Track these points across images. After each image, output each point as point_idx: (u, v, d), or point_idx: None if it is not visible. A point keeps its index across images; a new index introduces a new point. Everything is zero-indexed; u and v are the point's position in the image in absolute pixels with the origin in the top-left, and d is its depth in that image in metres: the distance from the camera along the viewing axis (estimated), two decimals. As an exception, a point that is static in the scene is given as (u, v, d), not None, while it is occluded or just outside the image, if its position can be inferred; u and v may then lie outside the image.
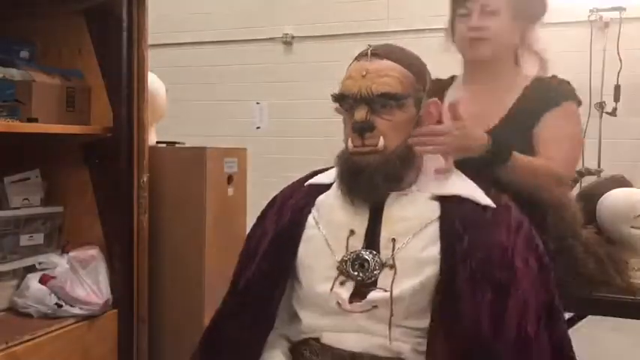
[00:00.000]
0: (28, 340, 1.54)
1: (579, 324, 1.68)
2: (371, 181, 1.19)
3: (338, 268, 1.18)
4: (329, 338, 1.18)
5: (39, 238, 1.85)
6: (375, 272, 1.16)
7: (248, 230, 1.44)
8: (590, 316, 1.75)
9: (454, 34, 1.60)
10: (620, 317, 1.75)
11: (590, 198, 1.97)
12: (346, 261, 1.18)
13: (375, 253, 1.17)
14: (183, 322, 1.96)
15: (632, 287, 1.65)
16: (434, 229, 1.18)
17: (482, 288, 1.12)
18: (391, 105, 1.20)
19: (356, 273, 1.17)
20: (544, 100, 1.53)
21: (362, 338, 1.15)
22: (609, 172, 2.82)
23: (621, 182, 2.04)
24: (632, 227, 1.73)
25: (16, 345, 1.51)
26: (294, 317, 1.27)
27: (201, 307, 1.94)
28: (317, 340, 1.20)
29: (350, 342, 1.16)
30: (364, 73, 1.20)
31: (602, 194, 1.84)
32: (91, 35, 1.87)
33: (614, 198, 1.80)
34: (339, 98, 1.25)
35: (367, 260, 1.17)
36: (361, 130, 1.19)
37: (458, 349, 1.09)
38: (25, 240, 1.81)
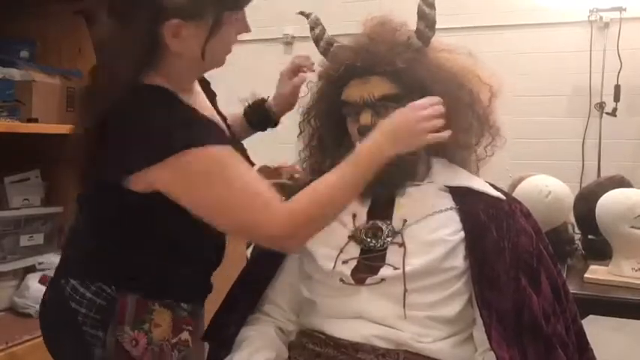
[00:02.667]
0: (28, 340, 1.54)
1: (579, 324, 1.68)
2: (383, 180, 1.22)
3: (351, 236, 1.23)
4: (331, 328, 1.20)
5: (39, 238, 1.85)
6: (387, 239, 1.21)
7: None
8: (590, 316, 1.76)
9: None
10: (620, 317, 1.75)
11: (589, 198, 1.98)
12: (361, 229, 1.23)
13: (388, 222, 1.23)
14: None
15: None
16: (447, 215, 1.23)
17: (521, 272, 1.18)
18: (392, 107, 1.22)
19: (369, 239, 1.22)
20: None
21: (362, 326, 1.17)
22: (609, 172, 2.83)
23: (621, 182, 2.05)
24: (632, 227, 1.73)
25: (16, 345, 1.51)
26: (297, 307, 1.31)
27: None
28: (319, 331, 1.22)
29: (350, 331, 1.18)
30: (366, 80, 1.25)
31: (602, 194, 1.84)
32: (91, 35, 1.87)
33: (614, 198, 1.80)
34: (344, 105, 1.29)
35: (381, 228, 1.22)
36: (367, 133, 1.21)
37: (513, 330, 1.13)
38: (25, 240, 1.81)
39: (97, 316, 1.10)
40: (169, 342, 1.15)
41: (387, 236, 1.21)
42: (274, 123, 1.43)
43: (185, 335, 1.18)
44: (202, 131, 1.05)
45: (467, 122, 1.29)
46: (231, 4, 1.09)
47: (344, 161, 1.11)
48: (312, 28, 1.38)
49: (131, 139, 1.02)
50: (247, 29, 1.14)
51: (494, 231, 1.20)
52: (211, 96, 1.30)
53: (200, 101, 1.20)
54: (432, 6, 1.25)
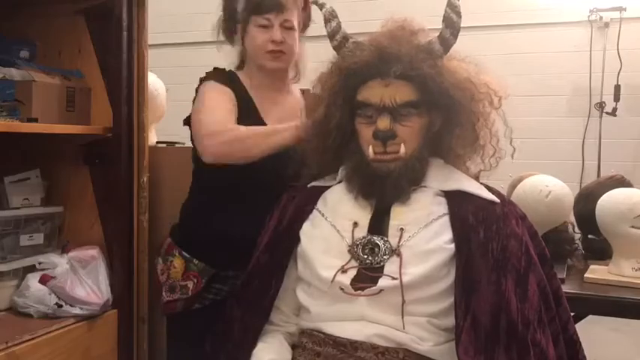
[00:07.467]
0: (28, 340, 1.54)
1: (579, 324, 1.68)
2: (397, 186, 1.24)
3: (349, 250, 1.22)
4: (331, 328, 1.20)
5: (39, 238, 1.85)
6: (384, 257, 1.19)
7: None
8: (590, 316, 1.75)
9: (244, 41, 1.66)
10: (620, 317, 1.75)
11: (589, 198, 1.98)
12: (358, 245, 1.22)
13: (385, 239, 1.21)
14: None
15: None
16: (442, 222, 1.22)
17: (505, 276, 1.16)
18: (411, 113, 1.23)
19: (366, 256, 1.20)
20: None
21: (363, 326, 1.17)
22: (609, 172, 2.83)
23: (621, 182, 2.05)
24: (632, 227, 1.73)
25: (16, 345, 1.51)
26: (298, 311, 1.30)
27: (201, 307, 1.94)
28: (319, 330, 1.22)
29: (351, 330, 1.17)
30: (387, 83, 1.23)
31: (602, 194, 1.84)
32: (91, 35, 1.87)
33: (614, 198, 1.80)
34: (360, 106, 1.27)
35: (378, 245, 1.21)
36: (384, 139, 1.22)
37: (486, 336, 1.12)
38: (25, 240, 1.81)
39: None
40: (179, 282, 1.62)
41: (384, 254, 1.20)
42: None
43: (190, 284, 1.61)
44: (220, 76, 1.63)
45: (475, 134, 1.28)
46: (252, 10, 1.59)
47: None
48: (327, 21, 1.35)
49: None
50: (273, 37, 1.57)
51: (482, 233, 1.20)
52: None
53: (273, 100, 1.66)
54: (459, 14, 1.25)
